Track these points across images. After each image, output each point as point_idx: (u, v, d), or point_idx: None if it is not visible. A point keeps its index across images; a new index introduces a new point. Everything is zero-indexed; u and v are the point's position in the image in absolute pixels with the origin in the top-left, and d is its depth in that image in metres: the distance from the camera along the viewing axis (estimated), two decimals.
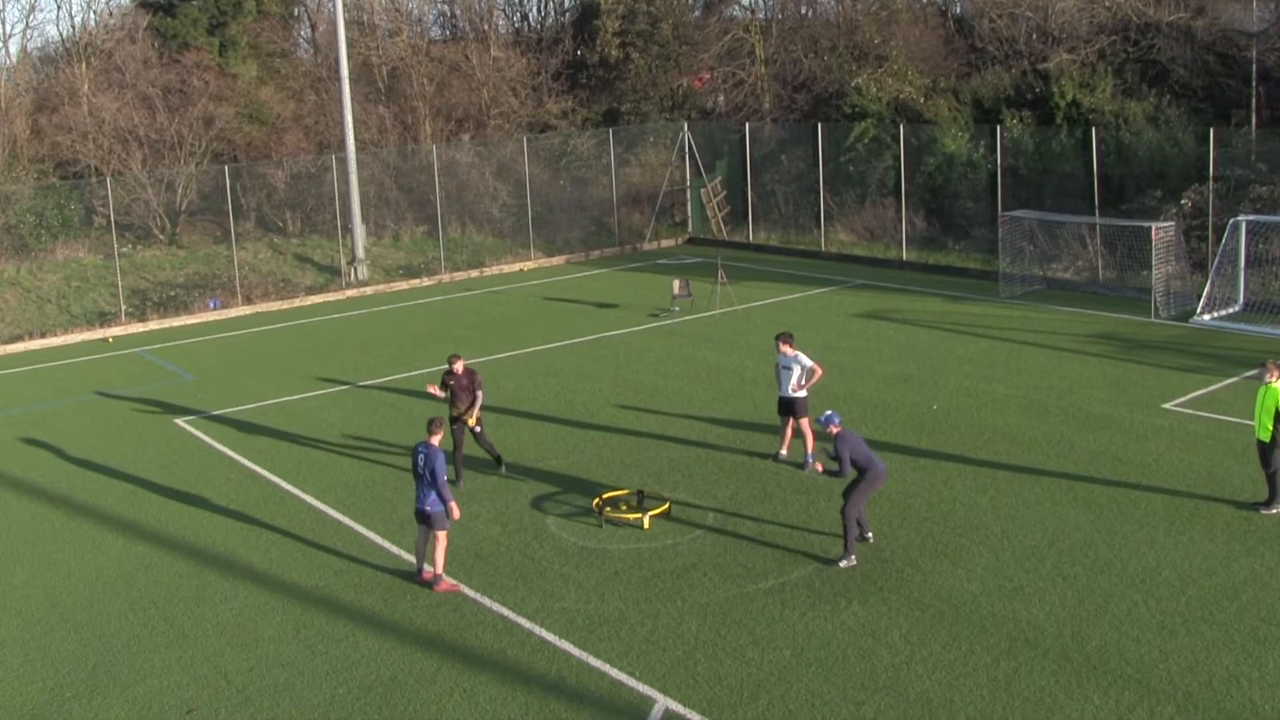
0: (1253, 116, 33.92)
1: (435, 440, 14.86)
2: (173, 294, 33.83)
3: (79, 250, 36.06)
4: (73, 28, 47.64)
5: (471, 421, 18.18)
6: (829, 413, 15.12)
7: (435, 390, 18.43)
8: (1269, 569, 14.19)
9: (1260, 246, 27.06)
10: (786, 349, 18.40)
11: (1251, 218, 27.14)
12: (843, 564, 14.87)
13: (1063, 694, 11.75)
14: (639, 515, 16.44)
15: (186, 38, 41.11)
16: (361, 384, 24.73)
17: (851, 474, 14.95)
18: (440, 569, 14.83)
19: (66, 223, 36.25)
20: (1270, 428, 15.61)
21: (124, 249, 35.24)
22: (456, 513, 14.71)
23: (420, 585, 14.89)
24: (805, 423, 18.35)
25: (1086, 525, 15.74)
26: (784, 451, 18.70)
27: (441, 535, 14.74)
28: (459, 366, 18.28)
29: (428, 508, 14.65)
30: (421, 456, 14.74)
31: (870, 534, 15.48)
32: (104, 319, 32.18)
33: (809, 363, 18.29)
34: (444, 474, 14.60)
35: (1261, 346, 23.76)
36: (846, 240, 37.43)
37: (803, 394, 18.28)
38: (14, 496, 19.15)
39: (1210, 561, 14.49)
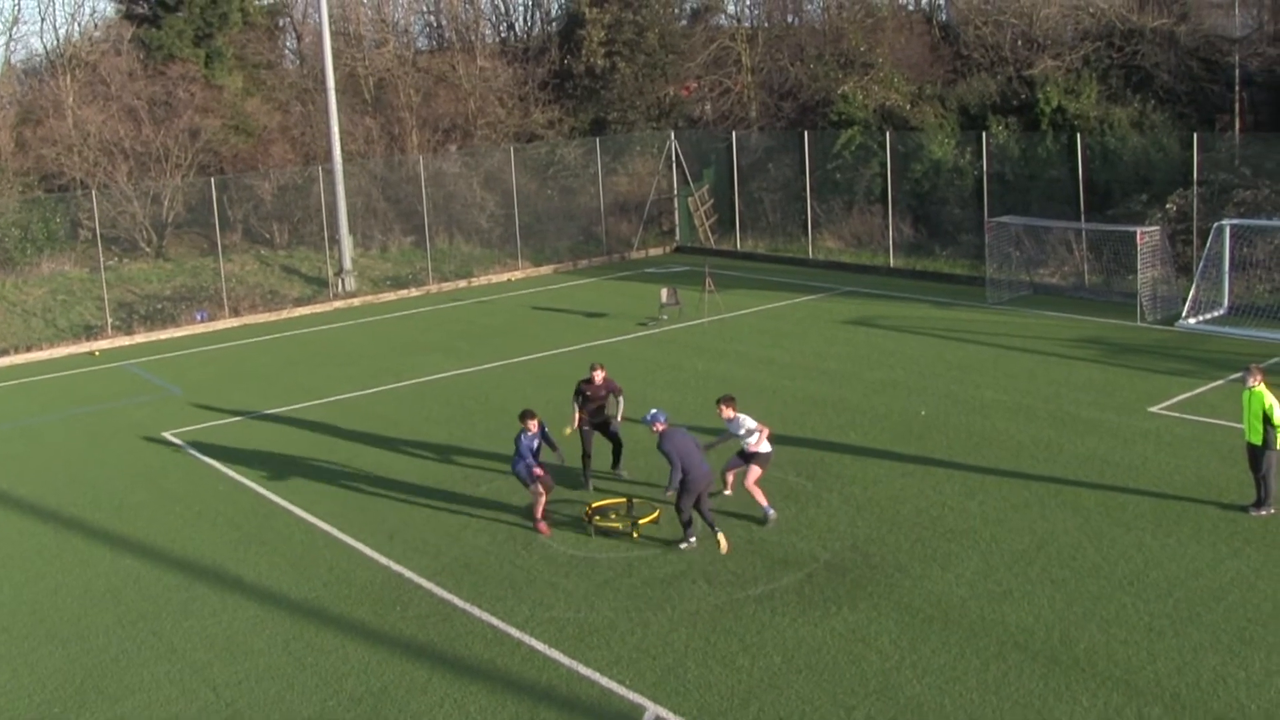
0: (1236, 121, 34.12)
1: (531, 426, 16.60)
2: (159, 307, 33.75)
3: (65, 263, 35.93)
4: (57, 40, 47.37)
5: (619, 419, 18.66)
6: (654, 411, 15.08)
7: (574, 422, 18.41)
8: (1255, 570, 14.25)
9: (1244, 250, 27.20)
10: (728, 411, 16.63)
11: (1235, 221, 27.30)
12: (683, 546, 15.75)
13: (1052, 696, 11.78)
14: (628, 524, 16.45)
15: (172, 49, 41.03)
16: (349, 395, 24.69)
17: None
18: (538, 515, 16.78)
19: (52, 236, 36.12)
20: (1261, 430, 15.69)
21: (110, 262, 35.17)
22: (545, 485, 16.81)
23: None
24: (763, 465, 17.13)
25: (1074, 528, 15.78)
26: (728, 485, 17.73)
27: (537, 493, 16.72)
28: (599, 376, 18.24)
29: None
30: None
31: (721, 535, 15.57)
32: (90, 332, 32.09)
33: (754, 424, 16.69)
34: (527, 455, 16.51)
35: (1246, 349, 23.89)
36: (834, 247, 37.52)
37: (766, 448, 16.83)
38: (0, 512, 19.07)
39: (1197, 563, 14.55)
